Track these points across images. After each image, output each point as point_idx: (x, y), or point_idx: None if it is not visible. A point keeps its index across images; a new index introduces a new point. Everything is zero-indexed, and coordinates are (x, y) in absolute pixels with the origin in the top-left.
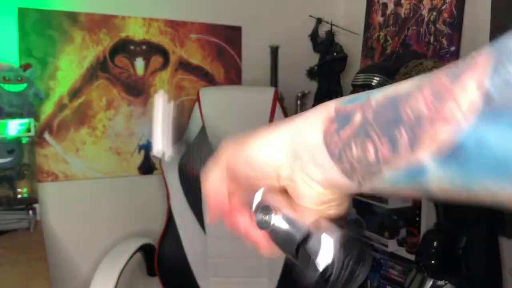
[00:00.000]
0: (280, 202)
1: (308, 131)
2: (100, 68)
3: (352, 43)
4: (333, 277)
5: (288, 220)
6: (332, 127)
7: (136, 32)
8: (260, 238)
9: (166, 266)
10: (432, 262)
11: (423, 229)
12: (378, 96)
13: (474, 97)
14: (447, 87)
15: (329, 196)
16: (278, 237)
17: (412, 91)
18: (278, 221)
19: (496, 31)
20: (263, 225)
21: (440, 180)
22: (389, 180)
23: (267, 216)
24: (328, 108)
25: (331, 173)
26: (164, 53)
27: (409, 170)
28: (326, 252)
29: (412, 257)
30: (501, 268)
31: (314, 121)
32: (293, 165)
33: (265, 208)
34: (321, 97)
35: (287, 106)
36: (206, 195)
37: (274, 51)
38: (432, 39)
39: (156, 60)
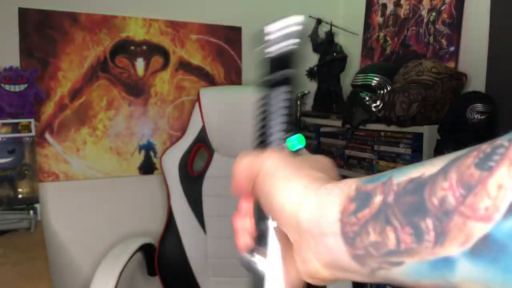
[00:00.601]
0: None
1: (327, 208)
2: (100, 68)
3: (351, 44)
4: None
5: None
6: (350, 208)
7: (136, 32)
8: (245, 245)
9: (166, 266)
10: None
11: None
12: (401, 177)
13: None
14: (477, 180)
15: (327, 276)
16: (252, 276)
17: (437, 177)
18: (261, 264)
19: (495, 31)
20: (247, 264)
21: (472, 279)
22: (410, 271)
23: (255, 256)
24: (350, 185)
25: (340, 257)
26: (164, 53)
27: (435, 263)
28: None
29: None
30: None
31: (335, 198)
32: (300, 241)
33: (260, 239)
34: (321, 97)
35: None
36: (234, 172)
37: None
38: (431, 39)
39: (157, 60)
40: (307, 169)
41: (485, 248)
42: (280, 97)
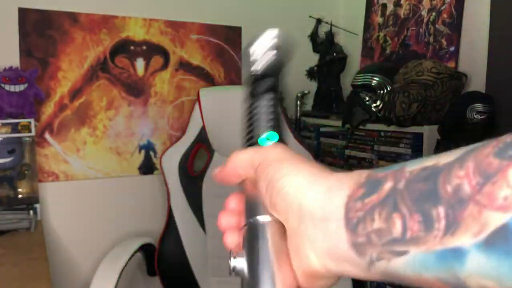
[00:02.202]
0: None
1: (334, 193)
2: (100, 68)
3: (351, 44)
4: None
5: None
6: (358, 193)
7: (136, 32)
8: (233, 244)
9: (166, 266)
10: None
11: None
12: (414, 166)
13: None
14: (496, 168)
15: (319, 269)
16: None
17: (453, 166)
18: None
19: (495, 31)
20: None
21: (483, 273)
22: (414, 262)
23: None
24: (361, 174)
25: (338, 244)
26: (164, 53)
27: (443, 254)
28: None
29: None
30: None
31: (344, 185)
32: (299, 227)
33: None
34: (321, 97)
35: (286, 107)
36: (229, 160)
37: None
38: (431, 39)
39: (156, 60)
40: (313, 163)
41: (501, 239)
42: (264, 103)
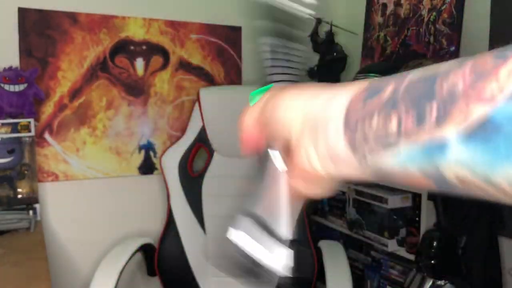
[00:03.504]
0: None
1: (337, 98)
2: (100, 68)
3: (352, 43)
4: None
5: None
6: (361, 96)
7: (136, 32)
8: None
9: (166, 266)
10: (432, 262)
11: (423, 229)
12: (416, 72)
13: None
14: (491, 67)
15: (319, 170)
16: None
17: (452, 68)
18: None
19: (496, 31)
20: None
21: (460, 162)
22: (402, 156)
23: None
24: (364, 82)
25: (336, 144)
26: (164, 53)
27: (429, 146)
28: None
29: (412, 257)
30: (501, 268)
31: (347, 90)
32: (303, 133)
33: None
34: None
35: None
36: (241, 130)
37: None
38: (432, 39)
39: (156, 60)
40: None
41: (480, 128)
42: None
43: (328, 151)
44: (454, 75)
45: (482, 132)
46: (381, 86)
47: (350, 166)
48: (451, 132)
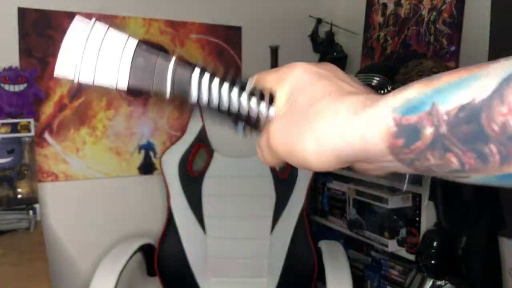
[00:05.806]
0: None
1: (369, 140)
2: None
3: (352, 43)
4: None
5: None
6: (399, 143)
7: (136, 32)
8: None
9: (166, 266)
10: (432, 262)
11: (423, 229)
12: (447, 105)
13: None
14: None
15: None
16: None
17: (492, 102)
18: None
19: (496, 31)
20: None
21: None
22: (478, 181)
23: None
24: (385, 118)
25: (380, 157)
26: None
27: (503, 177)
28: None
29: (412, 257)
30: (501, 268)
31: (374, 130)
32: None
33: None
34: None
35: None
36: (269, 147)
37: (274, 51)
38: (432, 39)
39: None
40: (336, 79)
41: None
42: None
43: (350, 155)
44: (500, 113)
45: None
46: (414, 127)
47: (391, 163)
48: None
